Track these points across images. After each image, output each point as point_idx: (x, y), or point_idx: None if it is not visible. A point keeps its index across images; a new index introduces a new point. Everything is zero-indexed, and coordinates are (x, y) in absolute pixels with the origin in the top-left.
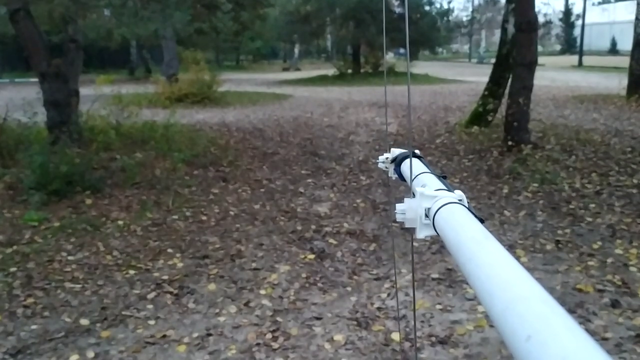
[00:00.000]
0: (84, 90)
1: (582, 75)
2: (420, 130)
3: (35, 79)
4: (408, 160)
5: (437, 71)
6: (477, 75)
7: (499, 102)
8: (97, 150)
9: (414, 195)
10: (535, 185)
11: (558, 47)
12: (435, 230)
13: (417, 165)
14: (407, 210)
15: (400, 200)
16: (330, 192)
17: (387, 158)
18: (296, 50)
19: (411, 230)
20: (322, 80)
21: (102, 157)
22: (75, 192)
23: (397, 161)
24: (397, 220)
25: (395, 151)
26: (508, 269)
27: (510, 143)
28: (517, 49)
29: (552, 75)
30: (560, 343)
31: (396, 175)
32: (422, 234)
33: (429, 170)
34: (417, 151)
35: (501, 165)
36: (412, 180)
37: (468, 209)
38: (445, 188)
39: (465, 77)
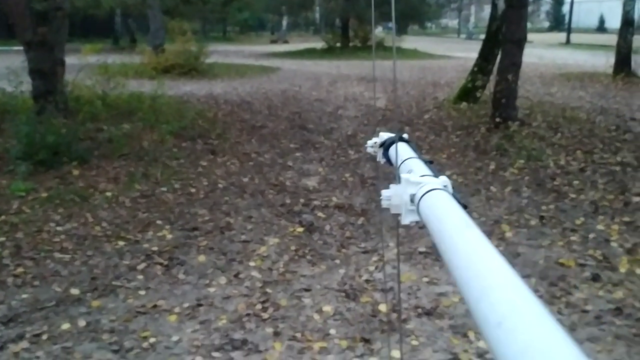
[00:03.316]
0: (68, 60)
1: (569, 52)
2: (408, 106)
3: (18, 47)
4: (397, 145)
5: (425, 46)
6: (466, 51)
7: (487, 79)
8: (84, 120)
9: (399, 181)
10: (521, 161)
11: (547, 24)
12: (420, 216)
13: (405, 150)
14: (392, 196)
15: (388, 178)
16: (318, 166)
17: (375, 142)
18: (284, 23)
19: (397, 216)
20: (310, 53)
21: (89, 127)
22: (62, 162)
23: (386, 146)
24: (383, 206)
25: (384, 135)
26: (485, 257)
27: (497, 120)
28: (507, 26)
29: (540, 53)
30: (528, 330)
31: (385, 160)
32: (407, 219)
33: (415, 155)
34: (405, 135)
35: (488, 142)
36: (398, 167)
37: (452, 195)
38: (431, 174)
39: (454, 53)
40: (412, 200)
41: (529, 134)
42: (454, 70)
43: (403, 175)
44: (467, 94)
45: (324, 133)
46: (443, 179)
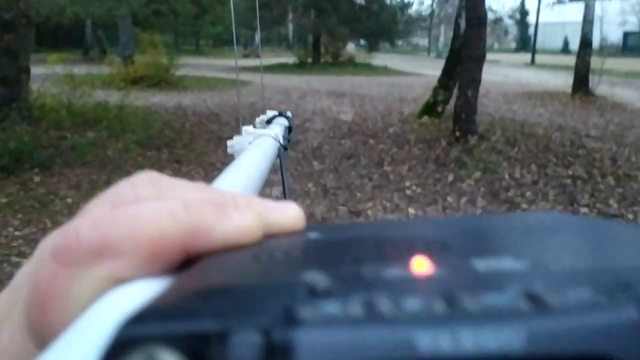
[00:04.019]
0: (35, 70)
1: (533, 72)
2: (374, 120)
3: None
4: (276, 118)
5: (396, 63)
6: (435, 69)
7: (449, 94)
8: (47, 128)
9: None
10: (479, 174)
11: (513, 45)
12: None
13: (280, 121)
14: (235, 144)
15: (352, 187)
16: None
17: (262, 119)
18: (257, 37)
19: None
20: (282, 68)
21: (52, 135)
22: (24, 169)
23: (269, 120)
24: (229, 152)
25: (270, 113)
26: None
27: (457, 134)
28: (467, 44)
29: (505, 72)
30: None
31: None
32: None
33: (285, 124)
34: (288, 113)
35: (448, 155)
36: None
37: (278, 141)
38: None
39: (424, 70)
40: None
41: (487, 148)
42: (422, 87)
43: (244, 128)
44: (430, 109)
45: (290, 145)
46: (275, 131)
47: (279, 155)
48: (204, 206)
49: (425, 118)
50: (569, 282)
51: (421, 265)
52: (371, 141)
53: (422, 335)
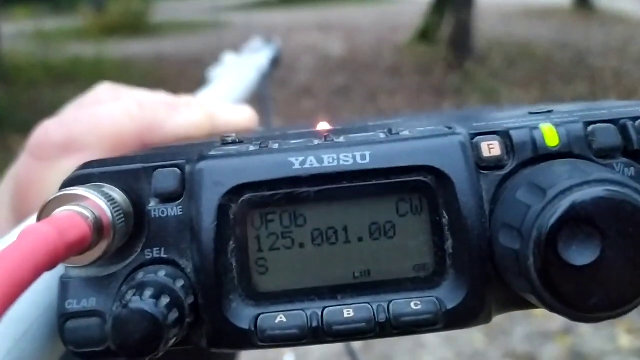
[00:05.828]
0: (4, 28)
1: None
2: (366, 52)
3: None
4: (261, 48)
5: None
6: None
7: (442, 18)
8: (24, 88)
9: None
10: (477, 100)
11: None
12: None
13: (266, 51)
14: (214, 72)
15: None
16: (272, 118)
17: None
18: None
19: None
20: (265, 4)
21: (30, 95)
22: (4, 132)
23: (256, 49)
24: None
25: (256, 42)
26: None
27: (453, 60)
28: None
29: None
30: None
31: None
32: None
33: (273, 55)
34: (276, 41)
35: (444, 82)
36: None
37: (256, 67)
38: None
39: None
40: None
41: (484, 72)
42: (416, 14)
43: (224, 56)
44: (423, 35)
45: (278, 84)
46: (256, 59)
47: (261, 84)
48: (157, 105)
49: (419, 46)
50: (425, 124)
51: (322, 126)
52: (363, 74)
53: (296, 158)
